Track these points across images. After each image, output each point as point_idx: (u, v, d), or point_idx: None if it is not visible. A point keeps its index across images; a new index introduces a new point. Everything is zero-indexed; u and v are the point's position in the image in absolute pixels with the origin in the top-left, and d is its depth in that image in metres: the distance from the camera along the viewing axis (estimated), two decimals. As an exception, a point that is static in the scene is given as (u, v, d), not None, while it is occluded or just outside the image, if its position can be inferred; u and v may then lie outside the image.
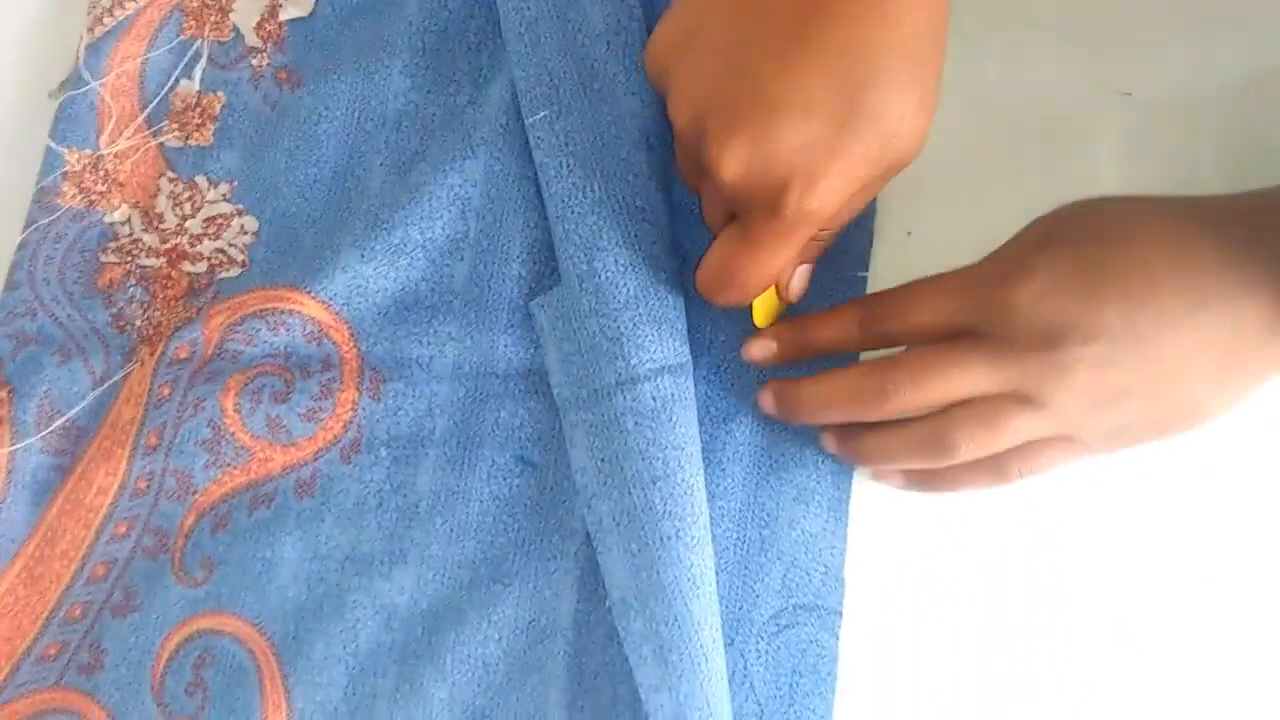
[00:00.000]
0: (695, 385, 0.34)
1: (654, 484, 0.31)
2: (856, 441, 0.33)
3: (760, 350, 0.34)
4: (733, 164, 0.27)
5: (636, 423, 0.31)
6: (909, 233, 0.36)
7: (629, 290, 0.32)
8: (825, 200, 0.28)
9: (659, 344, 0.32)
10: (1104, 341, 0.29)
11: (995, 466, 0.32)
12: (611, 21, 0.34)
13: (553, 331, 0.34)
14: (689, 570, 0.30)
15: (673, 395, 0.32)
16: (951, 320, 0.31)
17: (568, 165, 0.33)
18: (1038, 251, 0.30)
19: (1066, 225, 0.31)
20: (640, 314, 0.32)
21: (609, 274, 0.32)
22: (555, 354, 0.34)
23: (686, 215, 0.36)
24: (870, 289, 0.35)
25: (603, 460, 0.32)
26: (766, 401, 0.34)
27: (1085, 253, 0.30)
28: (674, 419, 0.32)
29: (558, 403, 0.34)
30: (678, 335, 0.33)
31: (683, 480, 0.31)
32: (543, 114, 0.34)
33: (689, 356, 0.33)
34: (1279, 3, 0.37)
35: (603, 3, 0.35)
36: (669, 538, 0.31)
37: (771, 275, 0.31)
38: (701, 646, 0.30)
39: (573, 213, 0.33)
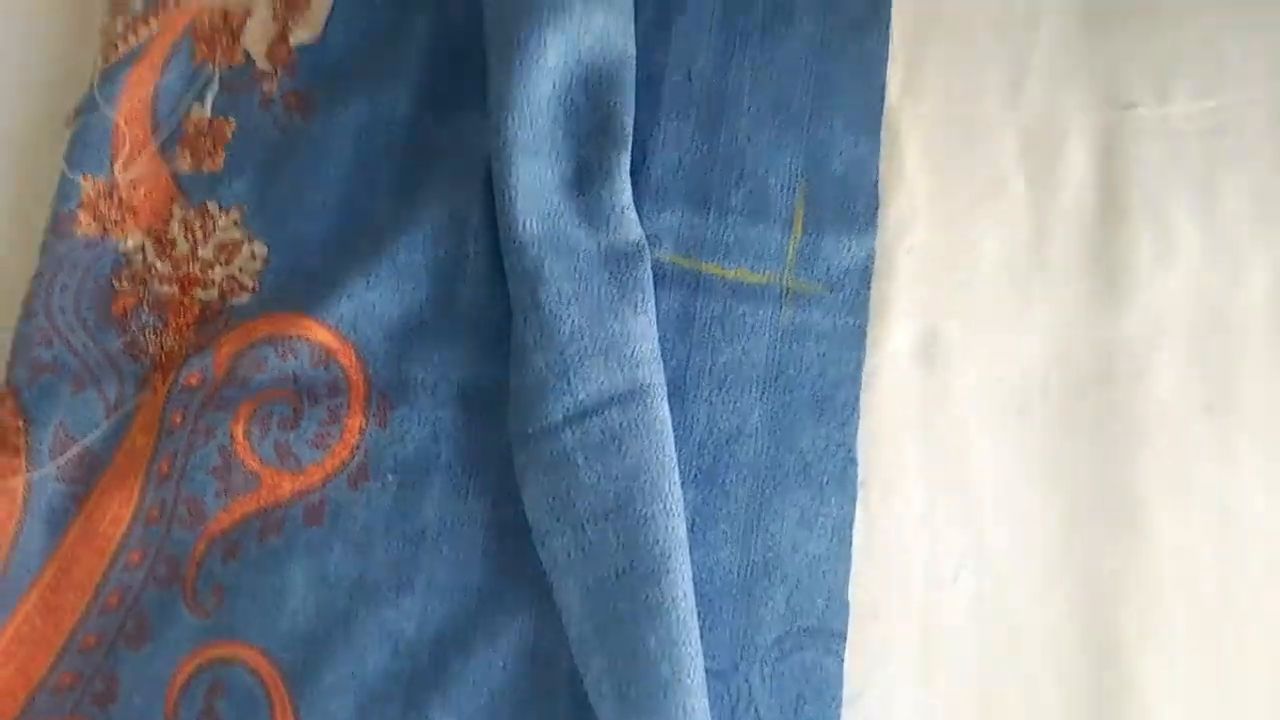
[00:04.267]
0: (696, 406, 0.34)
1: (606, 518, 0.31)
2: None
3: None
4: None
5: (586, 457, 0.32)
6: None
7: (573, 322, 0.32)
8: None
9: (606, 374, 0.32)
10: None
11: None
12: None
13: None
14: (645, 603, 0.30)
15: (622, 425, 0.32)
16: None
17: (508, 197, 0.34)
18: None
19: None
20: (585, 345, 0.32)
21: (551, 306, 0.33)
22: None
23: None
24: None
25: (553, 498, 0.32)
26: None
27: None
28: (624, 449, 0.32)
29: (510, 437, 0.34)
30: (626, 362, 0.33)
31: (635, 511, 0.31)
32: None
33: (644, 379, 0.33)
34: None
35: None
36: (623, 571, 0.31)
37: None
38: (660, 681, 0.30)
39: (515, 244, 0.34)
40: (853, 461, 0.35)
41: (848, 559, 0.33)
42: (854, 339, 0.36)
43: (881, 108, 0.38)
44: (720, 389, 0.36)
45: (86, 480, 0.35)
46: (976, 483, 0.35)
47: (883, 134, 0.38)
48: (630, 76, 0.37)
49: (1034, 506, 0.34)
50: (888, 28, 0.39)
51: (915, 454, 0.35)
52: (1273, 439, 0.34)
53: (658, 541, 0.31)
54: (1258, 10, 0.39)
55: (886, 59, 0.39)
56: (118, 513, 0.34)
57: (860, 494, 0.34)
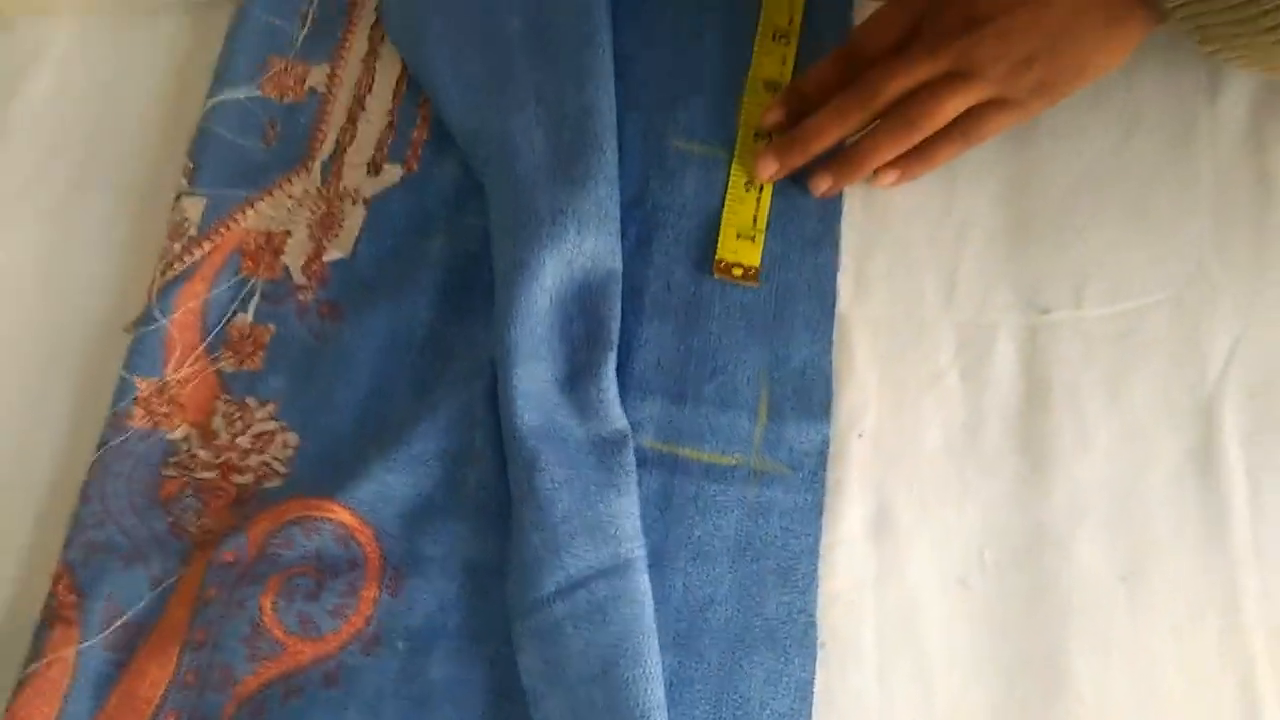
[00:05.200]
0: (674, 576, 0.39)
1: (593, 681, 0.35)
2: (845, 160, 0.44)
3: (770, 116, 0.45)
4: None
5: (575, 626, 0.36)
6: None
7: (565, 504, 0.38)
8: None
9: (593, 551, 0.37)
10: (1001, 20, 0.40)
11: (957, 133, 0.43)
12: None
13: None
14: None
15: (606, 596, 0.37)
16: (904, 30, 0.42)
17: (510, 395, 0.40)
18: None
19: None
20: (575, 526, 0.37)
21: (546, 491, 0.38)
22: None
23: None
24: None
25: (546, 662, 0.37)
26: (765, 165, 0.44)
27: None
28: (608, 619, 0.36)
29: (508, 610, 0.38)
30: (610, 539, 0.38)
31: (619, 675, 0.35)
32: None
33: (627, 554, 0.38)
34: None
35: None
36: None
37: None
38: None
39: (516, 436, 0.39)
40: (813, 625, 0.39)
41: (809, 714, 0.37)
42: (813, 514, 0.41)
43: (834, 312, 0.44)
44: (695, 560, 0.40)
45: (129, 648, 0.39)
46: (925, 644, 0.39)
47: (835, 334, 0.44)
48: (617, 289, 0.43)
49: (978, 666, 0.38)
50: (838, 244, 0.45)
51: (870, 618, 0.39)
52: (1179, 603, 0.39)
53: (639, 703, 0.36)
54: (1156, 222, 0.45)
55: (837, 270, 0.45)
56: (156, 676, 0.38)
57: (820, 654, 0.38)
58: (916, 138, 0.43)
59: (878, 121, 0.43)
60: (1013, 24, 0.40)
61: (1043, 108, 0.42)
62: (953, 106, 0.42)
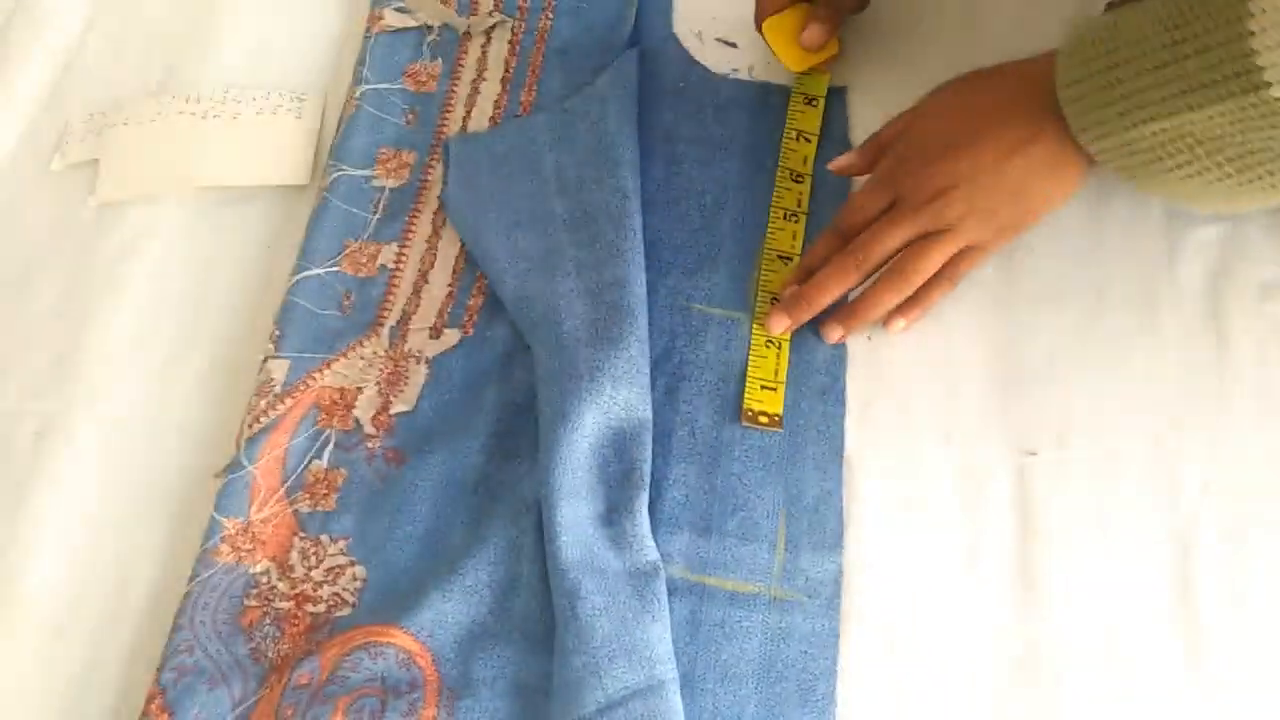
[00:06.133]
0: (704, 697, 0.44)
1: None
2: (851, 311, 0.51)
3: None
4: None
5: None
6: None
7: (605, 630, 0.42)
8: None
9: (631, 672, 0.42)
10: (965, 185, 0.48)
11: (943, 278, 0.50)
12: None
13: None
14: None
15: (643, 715, 0.41)
16: (884, 204, 0.50)
17: (553, 529, 0.45)
18: (908, 140, 0.51)
19: (923, 121, 0.51)
20: (615, 648, 0.42)
21: (588, 617, 0.43)
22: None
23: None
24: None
25: None
26: (778, 321, 0.51)
27: (940, 129, 0.50)
28: None
29: None
30: (646, 662, 0.42)
31: None
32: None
33: (661, 675, 0.42)
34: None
35: None
36: None
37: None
38: None
39: (559, 567, 0.44)
40: (833, 743, 0.43)
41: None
42: (830, 638, 0.45)
43: (842, 453, 0.49)
44: (722, 681, 0.44)
45: (213, 763, 0.43)
46: (935, 758, 0.42)
47: (844, 473, 0.49)
48: (648, 435, 0.49)
49: (983, 779, 0.42)
50: (844, 394, 0.51)
51: (884, 734, 0.43)
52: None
53: None
54: (1129, 376, 0.50)
55: (844, 415, 0.50)
56: (237, 790, 0.42)
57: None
58: (910, 288, 0.50)
59: (877, 276, 0.50)
60: (975, 187, 0.48)
61: (1006, 243, 0.51)
62: (939, 258, 0.49)
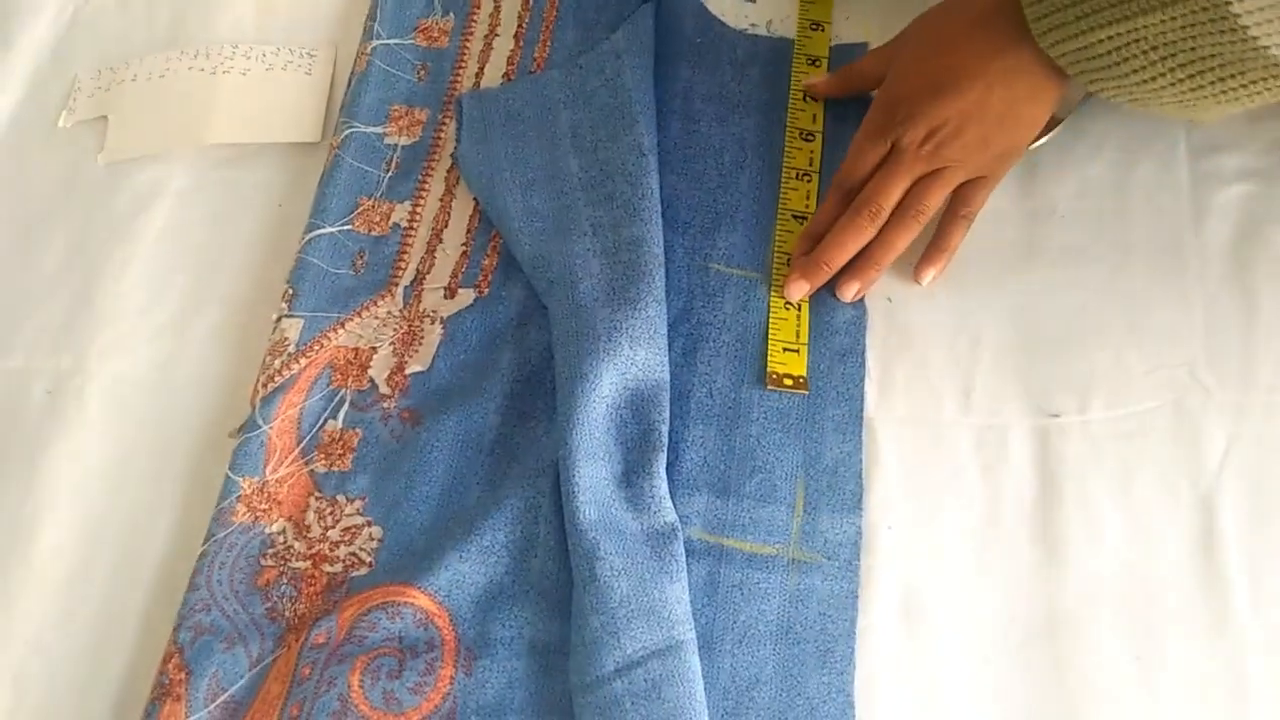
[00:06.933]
0: (722, 658, 0.43)
1: None
2: (864, 261, 0.51)
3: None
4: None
5: (632, 702, 0.40)
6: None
7: (623, 591, 0.42)
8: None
9: (649, 632, 0.42)
10: (954, 122, 0.49)
11: (957, 216, 0.51)
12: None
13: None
14: None
15: (661, 675, 0.41)
16: (880, 154, 0.51)
17: (571, 490, 0.45)
18: (892, 85, 0.52)
19: (904, 63, 0.52)
20: (633, 609, 0.42)
21: (606, 578, 0.42)
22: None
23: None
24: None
25: None
26: (797, 287, 0.51)
27: (922, 70, 0.51)
28: (663, 696, 0.40)
29: (570, 686, 0.42)
30: (664, 623, 0.42)
31: None
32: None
33: (679, 636, 0.42)
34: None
35: None
36: None
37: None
38: None
39: (577, 528, 0.44)
40: (850, 705, 0.43)
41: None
42: (848, 600, 0.45)
43: (861, 415, 0.49)
44: (741, 643, 0.44)
45: (230, 721, 0.43)
46: (953, 718, 0.42)
47: (863, 435, 0.48)
48: (665, 396, 0.48)
49: (1001, 740, 0.42)
50: (864, 355, 0.51)
51: (902, 695, 0.43)
52: (1191, 680, 0.42)
53: None
54: (1153, 337, 0.50)
55: (863, 378, 0.50)
56: (255, 748, 0.43)
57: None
58: (919, 225, 0.50)
59: (886, 225, 0.50)
60: (966, 121, 0.49)
61: (1008, 168, 0.52)
62: (942, 191, 0.50)
